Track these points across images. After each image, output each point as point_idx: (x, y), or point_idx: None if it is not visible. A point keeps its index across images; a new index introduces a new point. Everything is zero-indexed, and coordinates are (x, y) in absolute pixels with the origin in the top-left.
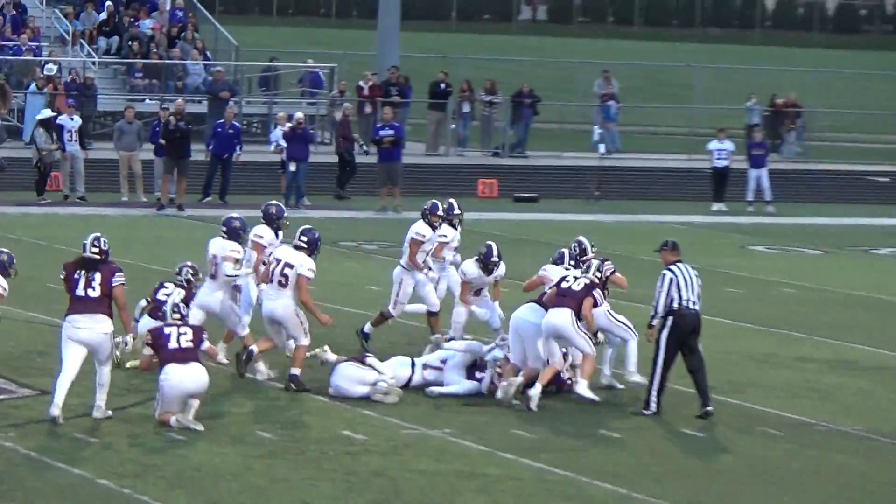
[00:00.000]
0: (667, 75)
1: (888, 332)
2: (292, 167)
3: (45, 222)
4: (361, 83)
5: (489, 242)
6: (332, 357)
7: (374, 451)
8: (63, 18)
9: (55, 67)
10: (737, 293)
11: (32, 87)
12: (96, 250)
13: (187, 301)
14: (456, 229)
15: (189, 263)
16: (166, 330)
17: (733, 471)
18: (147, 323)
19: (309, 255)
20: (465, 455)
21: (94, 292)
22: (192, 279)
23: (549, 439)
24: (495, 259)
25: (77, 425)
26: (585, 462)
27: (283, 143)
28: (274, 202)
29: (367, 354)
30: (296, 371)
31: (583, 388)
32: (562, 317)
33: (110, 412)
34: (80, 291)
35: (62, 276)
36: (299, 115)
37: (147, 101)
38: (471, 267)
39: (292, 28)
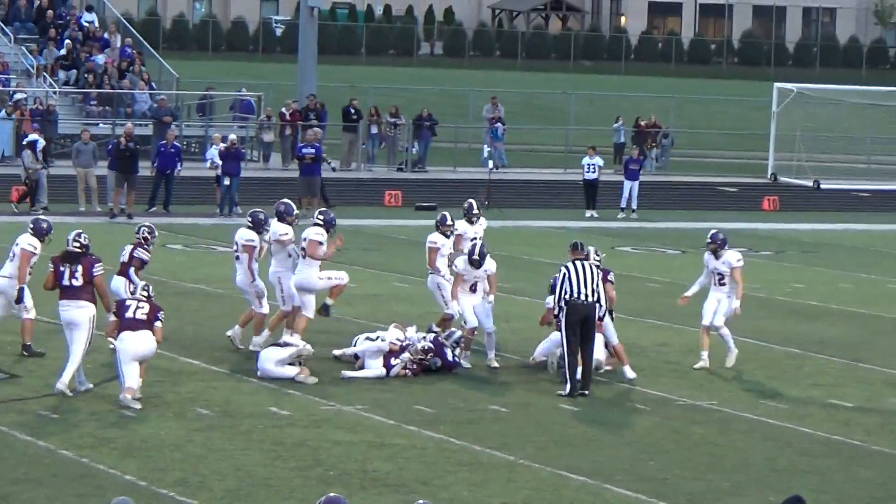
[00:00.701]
0: (546, 101)
1: (736, 321)
2: (227, 181)
3: (13, 229)
4: (284, 109)
5: (474, 241)
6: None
7: (298, 424)
8: (28, 54)
9: (23, 96)
10: None
11: (2, 113)
12: (78, 245)
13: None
14: (448, 237)
15: (146, 224)
16: (128, 302)
17: (605, 440)
18: (117, 282)
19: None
20: (376, 428)
21: (77, 281)
22: (147, 237)
23: (447, 413)
24: (476, 257)
25: (43, 403)
26: (478, 433)
27: (218, 161)
28: (284, 201)
29: (289, 339)
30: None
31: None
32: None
33: (70, 392)
34: (65, 281)
35: (50, 269)
36: (233, 136)
37: (101, 125)
38: (461, 263)
39: (225, 62)
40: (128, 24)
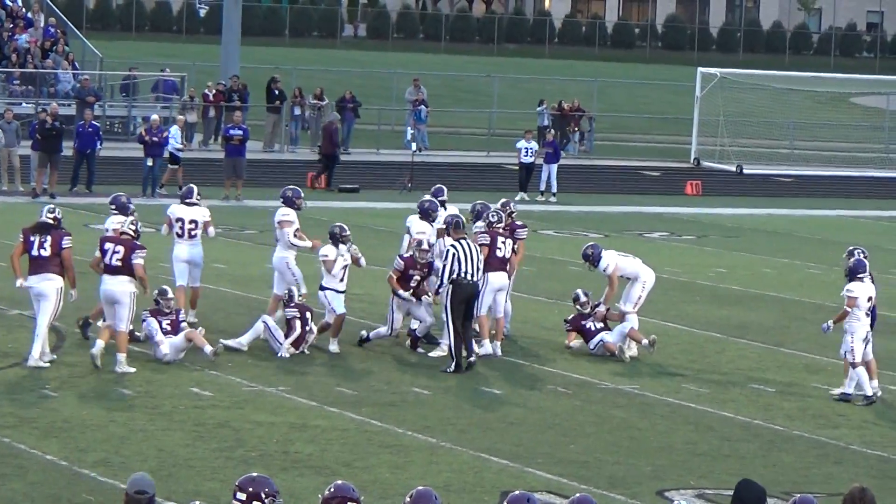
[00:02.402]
0: (469, 84)
1: (657, 304)
2: (149, 162)
3: None
4: (207, 91)
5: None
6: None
7: (220, 405)
8: None
9: None
10: (530, 271)
11: None
12: (51, 216)
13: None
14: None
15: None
16: (106, 245)
17: (527, 423)
18: None
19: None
20: (298, 409)
21: (46, 252)
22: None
23: (369, 396)
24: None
25: None
26: (400, 416)
27: (177, 144)
28: (291, 186)
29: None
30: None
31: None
32: None
33: (46, 364)
34: (34, 252)
35: (20, 239)
36: (155, 117)
37: (24, 104)
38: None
39: (149, 42)
40: (51, 4)
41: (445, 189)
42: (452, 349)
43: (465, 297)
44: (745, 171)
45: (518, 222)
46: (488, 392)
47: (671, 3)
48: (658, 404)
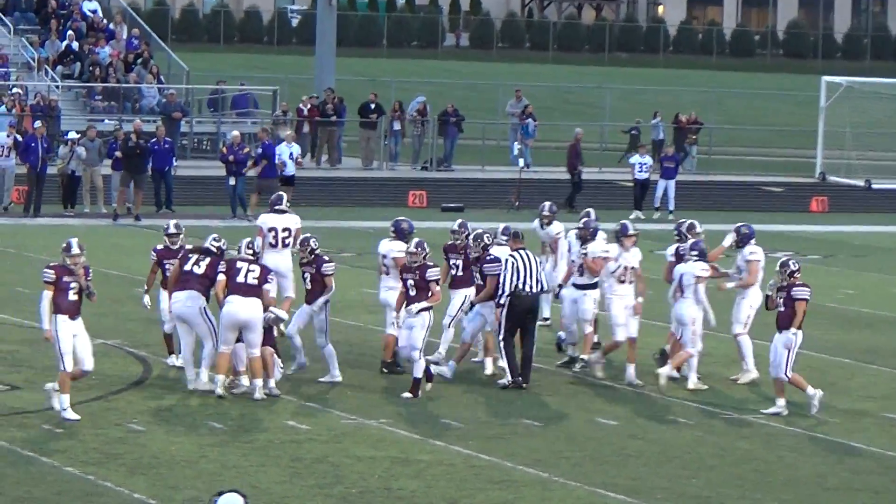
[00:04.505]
0: (579, 96)
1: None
2: (231, 181)
3: (12, 232)
4: (301, 105)
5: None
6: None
7: (317, 439)
8: (29, 46)
9: (18, 91)
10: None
11: (2, 108)
12: (216, 245)
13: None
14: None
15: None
16: (238, 264)
17: (645, 456)
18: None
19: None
20: (400, 442)
21: (199, 270)
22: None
23: (476, 428)
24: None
25: (45, 417)
26: (509, 448)
27: (286, 160)
28: (404, 218)
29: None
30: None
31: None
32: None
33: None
34: (187, 266)
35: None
36: (236, 133)
37: (106, 121)
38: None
39: (238, 54)
40: (134, 15)
41: (593, 213)
42: (507, 361)
43: (522, 310)
44: (873, 186)
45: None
46: (603, 423)
47: (793, 8)
48: (784, 435)
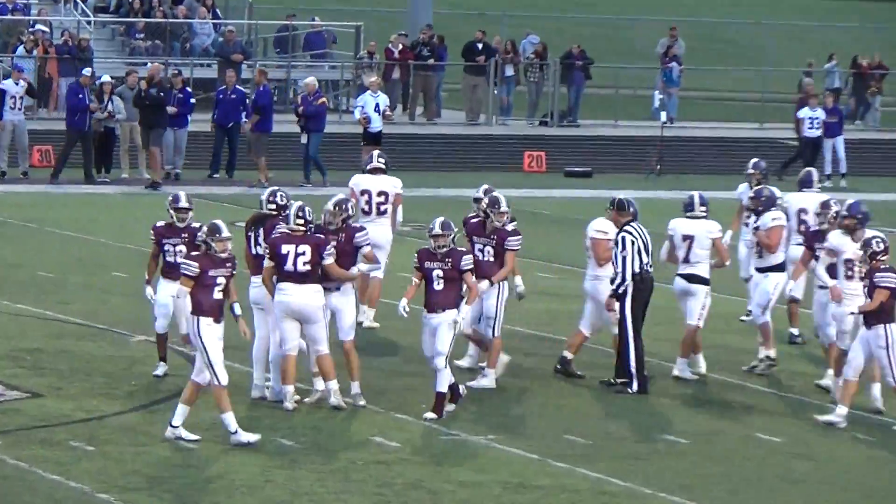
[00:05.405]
0: (733, 33)
1: None
2: (304, 138)
3: (32, 202)
4: (390, 45)
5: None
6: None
7: (410, 460)
8: None
9: (46, 28)
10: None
11: (20, 49)
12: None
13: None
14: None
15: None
16: (284, 247)
17: (814, 479)
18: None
19: None
20: (513, 464)
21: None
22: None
23: (607, 445)
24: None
25: (73, 431)
26: (649, 472)
27: (368, 113)
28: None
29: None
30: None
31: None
32: None
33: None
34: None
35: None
36: (311, 80)
37: (149, 64)
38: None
39: None
40: None
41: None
42: (633, 362)
43: (647, 296)
44: None
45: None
46: (764, 440)
47: None
48: None
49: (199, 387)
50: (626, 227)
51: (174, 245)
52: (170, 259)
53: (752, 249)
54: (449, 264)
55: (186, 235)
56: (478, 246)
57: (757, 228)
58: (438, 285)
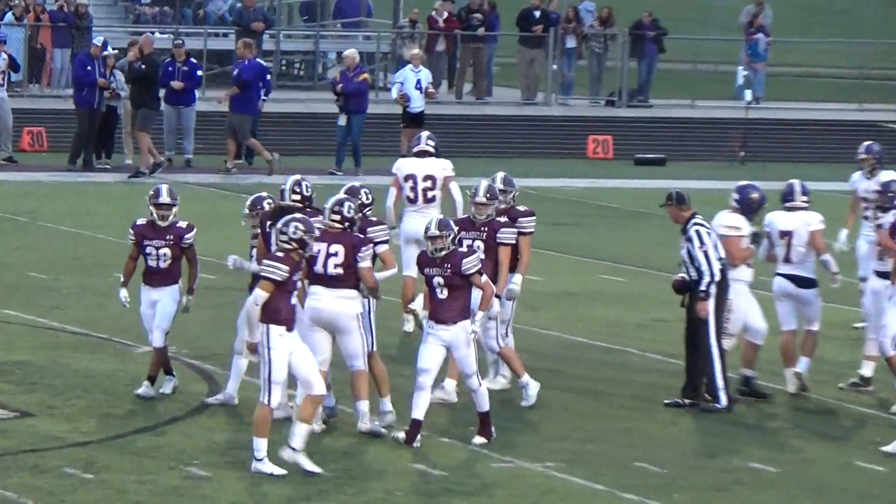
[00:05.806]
0: (828, 1)
1: None
2: (342, 121)
3: (24, 192)
4: (434, 14)
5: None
6: None
7: (458, 490)
8: None
9: None
10: None
11: (8, 16)
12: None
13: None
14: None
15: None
16: (316, 247)
17: None
18: None
19: None
20: (574, 495)
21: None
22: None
23: (683, 475)
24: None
25: (68, 457)
26: None
27: (407, 91)
28: (750, 183)
29: None
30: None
31: None
32: None
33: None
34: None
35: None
36: (352, 52)
37: (157, 34)
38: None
39: None
40: None
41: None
42: (719, 376)
43: (727, 296)
44: None
45: None
46: (865, 468)
47: None
48: None
49: (318, 400)
50: (696, 221)
51: (157, 248)
52: (151, 263)
53: (873, 246)
54: (448, 270)
55: (172, 238)
56: (466, 242)
57: (880, 226)
58: (441, 294)
